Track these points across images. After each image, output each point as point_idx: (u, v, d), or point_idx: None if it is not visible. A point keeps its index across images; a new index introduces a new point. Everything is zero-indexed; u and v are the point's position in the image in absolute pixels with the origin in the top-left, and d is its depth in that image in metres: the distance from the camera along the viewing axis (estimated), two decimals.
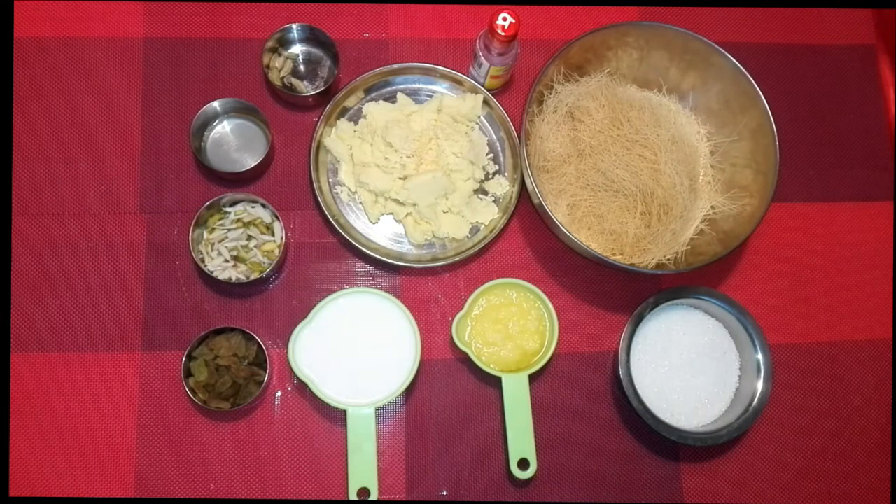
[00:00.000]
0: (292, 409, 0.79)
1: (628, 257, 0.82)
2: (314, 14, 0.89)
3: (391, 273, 0.83)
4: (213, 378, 0.76)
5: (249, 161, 0.83)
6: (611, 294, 0.85)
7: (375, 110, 0.85)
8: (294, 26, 0.86)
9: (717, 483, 0.82)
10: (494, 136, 0.88)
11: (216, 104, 0.83)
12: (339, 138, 0.85)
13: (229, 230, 0.80)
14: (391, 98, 0.87)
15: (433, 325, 0.82)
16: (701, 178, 0.87)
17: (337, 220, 0.82)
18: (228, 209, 0.81)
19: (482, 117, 0.87)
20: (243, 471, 0.77)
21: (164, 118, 0.85)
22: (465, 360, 0.80)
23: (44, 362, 0.78)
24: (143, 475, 0.76)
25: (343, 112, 0.87)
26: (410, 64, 0.87)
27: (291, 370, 0.77)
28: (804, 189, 0.92)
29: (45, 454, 0.76)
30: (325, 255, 0.83)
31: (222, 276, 0.79)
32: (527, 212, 0.87)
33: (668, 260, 0.83)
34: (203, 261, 0.79)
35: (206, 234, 0.80)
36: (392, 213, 0.84)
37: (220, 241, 0.80)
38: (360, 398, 0.76)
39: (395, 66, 0.86)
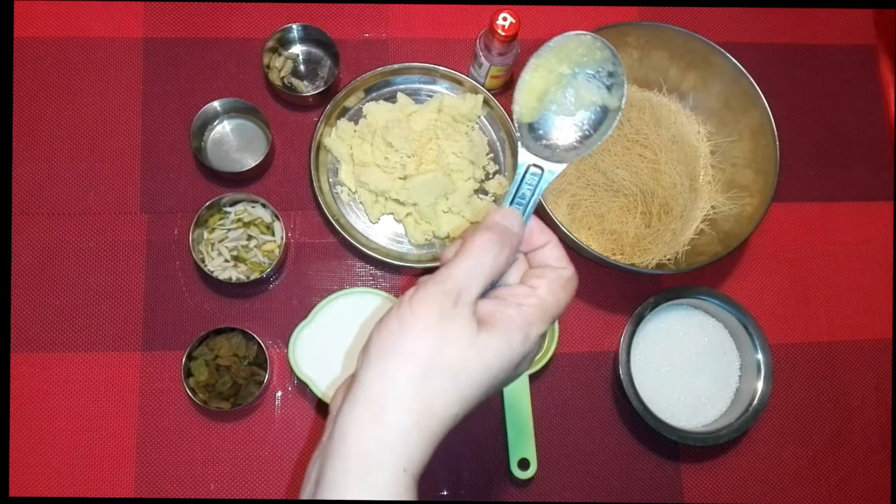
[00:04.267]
0: (292, 409, 0.79)
1: (628, 257, 0.82)
2: (314, 14, 0.89)
3: (391, 273, 0.83)
4: (213, 378, 0.76)
5: (249, 161, 0.83)
6: (611, 294, 0.85)
7: (375, 110, 0.85)
8: (294, 26, 0.86)
9: (717, 483, 0.82)
10: (494, 136, 0.88)
11: (216, 104, 0.83)
12: (339, 138, 0.85)
13: (229, 230, 0.80)
14: (391, 98, 0.87)
15: None
16: (701, 178, 0.87)
17: (337, 220, 0.82)
18: (228, 209, 0.81)
19: (482, 117, 0.87)
20: (243, 471, 0.77)
21: (164, 118, 0.85)
22: None
23: (44, 362, 0.78)
24: (143, 475, 0.76)
25: (343, 112, 0.87)
26: (410, 64, 0.87)
27: (291, 370, 0.77)
28: (804, 189, 0.92)
29: (45, 454, 0.76)
30: (325, 255, 0.83)
31: (222, 276, 0.79)
32: None
33: (669, 260, 0.83)
34: (203, 261, 0.79)
35: (206, 234, 0.80)
36: (392, 213, 0.84)
37: (220, 241, 0.80)
38: None
39: (395, 66, 0.86)
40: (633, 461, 0.81)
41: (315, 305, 0.78)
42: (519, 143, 0.45)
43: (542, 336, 0.43)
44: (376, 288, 0.81)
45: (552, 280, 0.43)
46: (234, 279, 0.79)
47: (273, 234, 0.81)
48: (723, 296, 0.81)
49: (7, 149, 0.82)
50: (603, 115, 0.44)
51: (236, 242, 0.80)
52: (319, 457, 0.41)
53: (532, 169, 0.45)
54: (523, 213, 0.45)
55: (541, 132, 0.45)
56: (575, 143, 0.45)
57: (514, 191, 0.45)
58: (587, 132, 0.45)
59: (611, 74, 0.44)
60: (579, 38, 0.44)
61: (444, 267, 0.42)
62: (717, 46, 0.82)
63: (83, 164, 0.84)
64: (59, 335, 0.79)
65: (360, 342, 0.77)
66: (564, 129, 0.45)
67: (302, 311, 0.79)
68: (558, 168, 0.45)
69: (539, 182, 0.45)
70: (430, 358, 0.39)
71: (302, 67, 0.88)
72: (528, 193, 0.45)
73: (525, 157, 0.45)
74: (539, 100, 0.45)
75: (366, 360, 0.40)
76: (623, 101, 0.44)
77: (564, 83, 0.45)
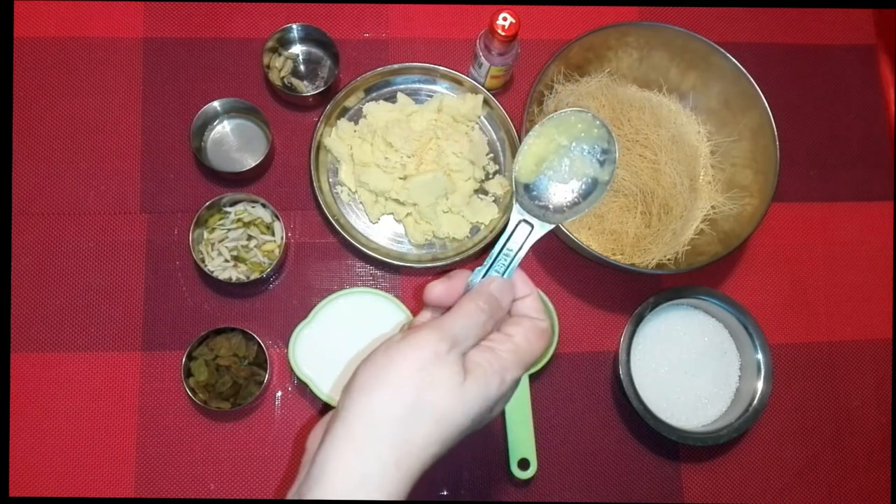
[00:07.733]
0: (292, 409, 0.79)
1: (628, 257, 0.82)
2: (314, 14, 0.89)
3: (391, 273, 0.83)
4: (213, 378, 0.76)
5: (249, 161, 0.83)
6: (611, 294, 0.85)
7: (375, 110, 0.85)
8: (294, 26, 0.86)
9: (717, 483, 0.82)
10: (494, 136, 0.88)
11: (216, 104, 0.83)
12: (339, 138, 0.85)
13: (229, 230, 0.80)
14: (391, 98, 0.87)
15: None
16: (701, 177, 0.87)
17: (337, 220, 0.82)
18: (228, 209, 0.81)
19: (482, 117, 0.87)
20: (243, 471, 0.77)
21: (164, 118, 0.85)
22: None
23: (44, 362, 0.78)
24: (143, 475, 0.76)
25: (343, 112, 0.87)
26: (410, 64, 0.87)
27: (291, 370, 0.77)
28: (804, 189, 0.92)
29: (45, 454, 0.76)
30: (325, 255, 0.83)
31: (222, 276, 0.79)
32: None
33: (669, 260, 0.83)
34: (203, 261, 0.79)
35: (206, 234, 0.80)
36: (392, 213, 0.84)
37: (220, 241, 0.80)
38: None
39: (395, 66, 0.86)
40: (633, 461, 0.81)
41: (315, 305, 0.78)
42: (514, 200, 0.49)
43: (516, 381, 0.46)
44: (376, 288, 0.81)
45: (528, 329, 0.46)
46: (234, 279, 0.79)
47: (273, 234, 0.81)
48: (723, 296, 0.81)
49: (7, 149, 0.82)
50: (593, 187, 0.49)
51: (236, 242, 0.80)
52: (296, 495, 0.41)
53: (522, 225, 0.49)
54: (508, 266, 0.48)
55: (535, 193, 0.49)
56: (564, 208, 0.49)
57: (502, 244, 0.48)
58: (577, 199, 0.49)
59: (605, 151, 0.48)
60: (580, 115, 0.48)
61: (441, 318, 0.44)
62: (717, 46, 0.82)
63: (83, 164, 0.84)
64: (59, 335, 0.79)
65: (361, 344, 0.77)
66: (557, 194, 0.49)
67: (302, 311, 0.79)
68: (547, 227, 0.49)
69: (527, 239, 0.49)
70: (415, 398, 0.40)
71: (302, 67, 0.88)
72: (515, 248, 0.48)
73: (518, 213, 0.49)
74: (537, 164, 0.49)
75: (350, 395, 0.41)
76: (612, 176, 0.48)
77: (562, 153, 0.49)
